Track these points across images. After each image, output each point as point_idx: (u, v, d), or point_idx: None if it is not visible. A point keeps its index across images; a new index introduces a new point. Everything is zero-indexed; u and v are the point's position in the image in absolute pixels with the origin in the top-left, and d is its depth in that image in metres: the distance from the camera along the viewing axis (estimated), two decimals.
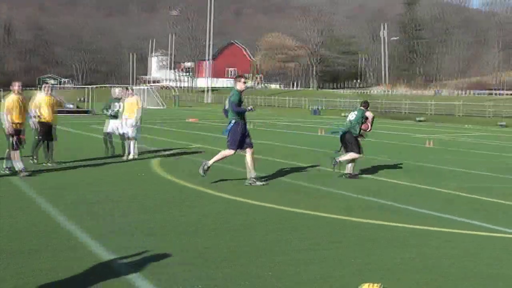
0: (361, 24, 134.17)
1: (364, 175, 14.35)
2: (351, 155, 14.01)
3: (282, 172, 14.38)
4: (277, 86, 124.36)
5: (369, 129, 14.45)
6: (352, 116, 14.38)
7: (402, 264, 6.88)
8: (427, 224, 8.97)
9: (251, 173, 12.37)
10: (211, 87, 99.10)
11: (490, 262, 7.08)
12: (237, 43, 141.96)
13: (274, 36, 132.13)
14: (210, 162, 12.50)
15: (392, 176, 14.32)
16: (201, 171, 12.39)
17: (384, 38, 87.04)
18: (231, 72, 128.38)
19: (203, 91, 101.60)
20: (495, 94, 74.14)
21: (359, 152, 14.08)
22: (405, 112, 61.99)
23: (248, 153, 12.43)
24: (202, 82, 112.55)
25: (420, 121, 52.54)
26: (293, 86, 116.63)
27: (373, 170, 15.34)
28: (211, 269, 6.36)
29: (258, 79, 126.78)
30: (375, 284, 5.79)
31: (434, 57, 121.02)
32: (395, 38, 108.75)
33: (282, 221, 8.88)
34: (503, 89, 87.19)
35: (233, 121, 12.32)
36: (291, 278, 6.14)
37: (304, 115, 60.76)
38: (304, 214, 9.48)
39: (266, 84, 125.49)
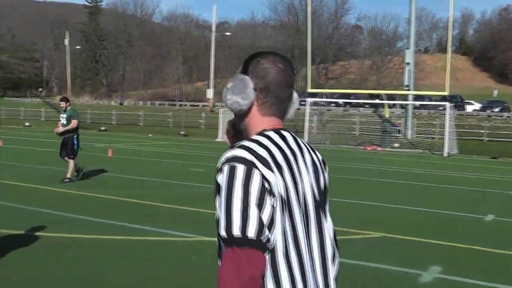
0: (43, 30, 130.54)
1: (42, 186, 14.26)
2: None
3: None
4: None
5: None
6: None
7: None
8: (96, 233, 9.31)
9: None
10: None
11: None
12: None
13: None
14: None
15: (64, 186, 14.44)
16: None
17: (67, 46, 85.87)
18: None
19: None
20: (179, 105, 77.70)
21: None
22: (88, 122, 61.93)
23: None
24: None
25: (102, 130, 53.03)
26: None
27: (50, 181, 15.27)
28: None
29: None
30: None
31: (118, 67, 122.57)
32: (78, 47, 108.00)
33: None
34: (184, 100, 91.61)
35: None
36: None
37: None
38: None
39: None
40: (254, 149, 2.04)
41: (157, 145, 33.42)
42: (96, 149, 28.67)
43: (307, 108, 43.54)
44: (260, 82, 2.21)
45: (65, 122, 15.62)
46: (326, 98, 59.44)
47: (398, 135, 44.00)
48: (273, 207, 1.99)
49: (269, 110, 2.23)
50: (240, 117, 2.29)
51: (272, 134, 2.17)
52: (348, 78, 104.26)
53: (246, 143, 2.08)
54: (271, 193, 1.99)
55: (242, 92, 2.20)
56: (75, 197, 12.90)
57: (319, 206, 2.24)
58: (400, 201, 14.12)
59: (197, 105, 76.08)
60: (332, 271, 2.29)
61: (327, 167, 2.39)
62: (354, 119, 47.71)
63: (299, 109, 59.59)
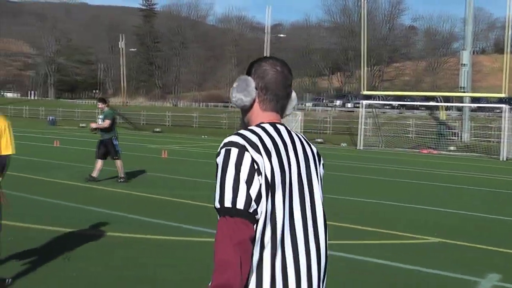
0: (98, 33, 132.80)
1: (97, 186, 14.45)
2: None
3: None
4: (14, 95, 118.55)
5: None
6: None
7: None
8: (143, 232, 9.36)
9: None
10: None
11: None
12: None
13: (10, 42, 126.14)
14: None
15: (124, 187, 14.59)
16: None
17: (122, 49, 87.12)
18: None
19: None
20: (231, 106, 78.03)
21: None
22: (143, 123, 62.71)
23: None
24: None
25: (157, 132, 53.58)
26: (30, 96, 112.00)
27: (105, 181, 15.47)
28: None
29: None
30: None
31: (172, 69, 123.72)
32: (134, 50, 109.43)
33: None
34: None
35: None
36: None
37: (41, 125, 58.82)
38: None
39: (2, 93, 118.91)
40: (247, 135, 2.41)
41: (211, 147, 33.58)
42: (151, 150, 28.97)
43: (362, 111, 43.20)
44: (260, 81, 2.61)
45: (101, 123, 15.66)
46: (381, 100, 58.76)
47: (454, 138, 43.28)
48: (261, 185, 2.33)
49: (268, 106, 2.61)
50: (244, 112, 2.67)
51: (267, 125, 2.53)
52: (403, 80, 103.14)
53: (241, 131, 2.47)
54: (259, 173, 2.34)
55: (245, 90, 2.59)
56: (128, 197, 13.03)
57: (306, 193, 2.54)
58: (456, 206, 13.82)
59: None
60: (314, 251, 2.52)
61: (322, 159, 2.73)
62: (409, 122, 47.10)
63: (352, 111, 59.22)
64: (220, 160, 2.41)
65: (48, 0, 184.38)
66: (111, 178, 15.71)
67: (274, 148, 2.44)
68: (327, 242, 2.61)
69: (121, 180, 15.42)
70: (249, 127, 2.51)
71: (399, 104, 60.71)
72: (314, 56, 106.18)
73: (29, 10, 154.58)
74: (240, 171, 2.33)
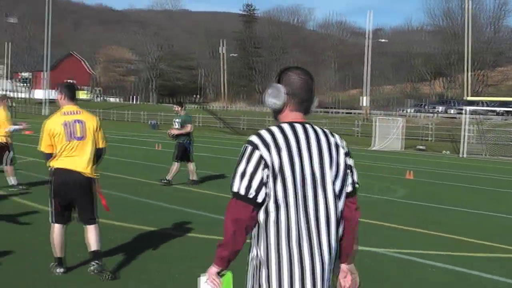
0: (200, 39, 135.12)
1: (193, 189, 14.65)
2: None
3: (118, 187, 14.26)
4: (117, 100, 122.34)
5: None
6: None
7: None
8: None
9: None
10: (49, 99, 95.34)
11: None
12: (76, 55, 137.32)
13: (113, 49, 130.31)
14: None
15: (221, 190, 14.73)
16: None
17: (223, 54, 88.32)
18: None
19: (41, 102, 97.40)
20: (331, 112, 77.38)
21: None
22: (243, 128, 63.22)
23: None
24: (40, 93, 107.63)
25: None
26: (132, 100, 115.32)
27: (207, 185, 15.65)
28: None
29: (97, 92, 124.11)
30: None
31: (272, 74, 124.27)
32: (235, 55, 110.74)
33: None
34: (339, 108, 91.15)
35: None
36: None
37: (143, 129, 60.29)
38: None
39: (105, 97, 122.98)
40: (262, 135, 3.09)
41: None
42: None
43: (465, 117, 42.01)
44: (289, 88, 3.21)
45: (177, 126, 15.45)
46: (485, 106, 56.95)
47: None
48: (268, 176, 3.02)
49: (293, 108, 3.23)
50: (275, 113, 3.26)
51: (285, 125, 3.15)
52: (508, 84, 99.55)
53: (261, 130, 3.14)
54: (266, 166, 3.02)
55: (277, 96, 3.20)
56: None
57: (318, 180, 3.09)
58: None
59: (350, 113, 75.51)
60: (325, 231, 3.07)
61: (341, 149, 3.22)
62: None
63: (454, 118, 57.67)
64: (240, 154, 3.08)
65: (151, 8, 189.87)
66: (209, 180, 15.84)
67: (286, 144, 3.05)
68: (339, 222, 3.16)
69: (194, 182, 15.35)
70: (269, 127, 3.14)
71: (504, 111, 58.66)
72: (416, 61, 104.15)
73: (132, 17, 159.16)
74: (248, 165, 3.03)
